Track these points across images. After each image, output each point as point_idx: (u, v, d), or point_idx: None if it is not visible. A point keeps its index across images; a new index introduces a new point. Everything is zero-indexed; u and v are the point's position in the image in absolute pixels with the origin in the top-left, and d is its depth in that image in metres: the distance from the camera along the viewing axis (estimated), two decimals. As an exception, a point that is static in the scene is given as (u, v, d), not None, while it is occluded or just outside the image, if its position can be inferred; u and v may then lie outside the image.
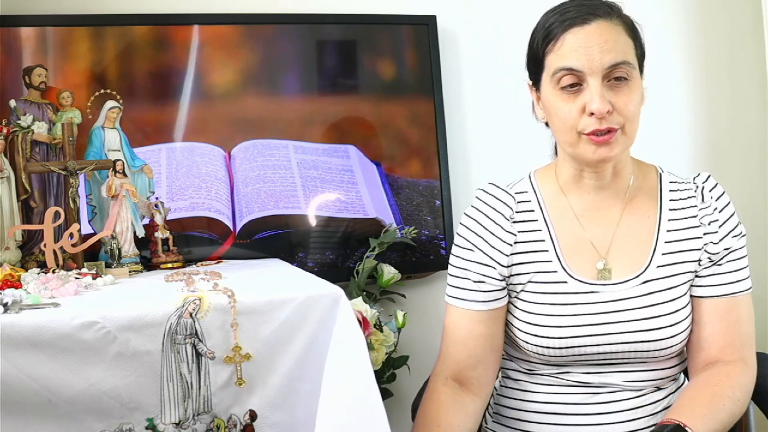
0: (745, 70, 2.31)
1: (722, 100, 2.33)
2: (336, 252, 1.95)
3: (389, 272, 1.91)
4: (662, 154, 2.15)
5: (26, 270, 1.35)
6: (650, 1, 2.28)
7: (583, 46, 1.19)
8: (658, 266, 1.28)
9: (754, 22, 2.20)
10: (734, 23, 2.32)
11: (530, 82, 1.33)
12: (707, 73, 2.32)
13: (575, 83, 1.21)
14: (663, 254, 1.29)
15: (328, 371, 1.09)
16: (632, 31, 1.25)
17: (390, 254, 1.95)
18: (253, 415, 1.11)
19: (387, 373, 1.85)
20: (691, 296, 1.31)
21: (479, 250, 1.31)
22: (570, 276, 1.29)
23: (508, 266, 1.31)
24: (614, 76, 1.20)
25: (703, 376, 1.28)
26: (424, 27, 2.05)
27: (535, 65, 1.28)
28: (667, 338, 1.26)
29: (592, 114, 1.19)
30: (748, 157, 2.32)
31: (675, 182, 1.35)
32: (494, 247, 1.31)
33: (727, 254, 1.29)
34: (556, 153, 1.41)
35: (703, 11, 2.32)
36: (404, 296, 2.03)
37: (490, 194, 1.35)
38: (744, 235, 1.31)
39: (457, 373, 1.33)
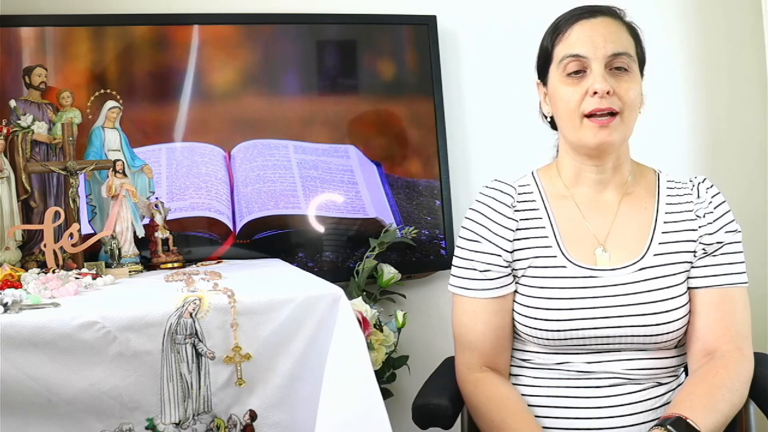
0: (745, 70, 2.31)
1: (722, 100, 2.33)
2: (336, 252, 1.95)
3: (389, 272, 1.91)
4: (662, 154, 2.15)
5: (26, 270, 1.35)
6: (650, 2, 2.28)
7: (588, 36, 1.30)
8: (655, 254, 1.32)
9: (754, 22, 2.20)
10: (734, 23, 2.32)
11: (539, 81, 1.41)
12: (707, 73, 2.32)
13: (580, 70, 1.30)
14: (660, 243, 1.33)
15: (329, 371, 1.09)
16: (634, 34, 1.35)
17: (390, 254, 1.95)
18: (253, 415, 1.11)
19: (387, 373, 1.85)
20: (688, 288, 1.33)
21: (485, 239, 1.35)
22: (569, 261, 1.32)
23: (512, 252, 1.35)
24: (615, 66, 1.29)
25: (701, 369, 1.30)
26: (424, 27, 2.05)
27: (544, 59, 1.37)
28: (663, 324, 1.28)
29: (594, 94, 1.27)
30: (748, 157, 2.31)
31: (672, 181, 1.41)
32: (498, 235, 1.35)
33: (722, 247, 1.32)
34: (558, 153, 1.44)
35: (703, 11, 2.32)
36: (404, 296, 2.03)
37: (492, 188, 1.40)
38: (739, 232, 1.35)
39: (487, 362, 1.37)
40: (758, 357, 1.38)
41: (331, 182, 1.95)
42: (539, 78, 1.41)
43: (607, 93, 1.26)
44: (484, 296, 1.35)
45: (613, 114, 1.28)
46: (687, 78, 2.31)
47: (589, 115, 1.28)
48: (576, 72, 1.30)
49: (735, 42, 2.33)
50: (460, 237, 1.40)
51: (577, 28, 1.31)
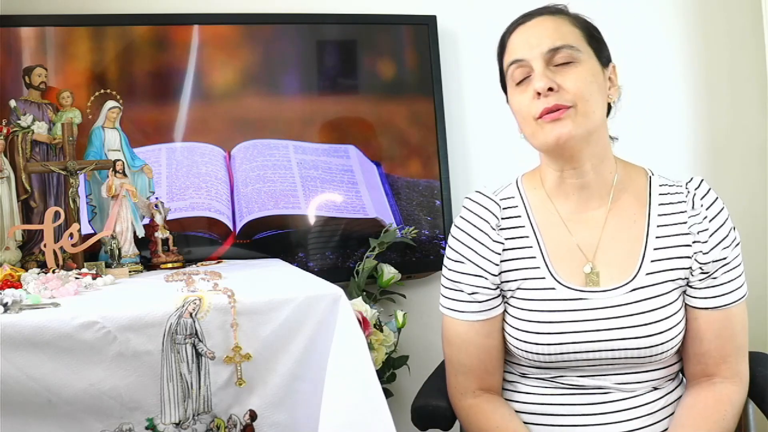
0: (745, 70, 2.32)
1: (722, 100, 2.33)
2: (336, 252, 1.95)
3: (389, 272, 1.91)
4: (662, 155, 2.16)
5: (26, 270, 1.35)
6: (650, 2, 2.28)
7: (524, 39, 1.27)
8: (648, 273, 1.27)
9: (754, 22, 2.20)
10: (734, 23, 2.32)
11: (508, 103, 1.36)
12: (707, 74, 2.32)
13: (526, 76, 1.26)
14: (652, 261, 1.28)
15: (330, 372, 1.09)
16: (580, 24, 1.29)
17: (390, 254, 1.95)
18: (253, 415, 1.11)
19: (387, 373, 1.85)
20: (687, 306, 1.30)
21: (470, 261, 1.32)
22: (558, 282, 1.28)
23: (498, 274, 1.31)
24: (558, 62, 1.24)
25: (707, 400, 1.28)
26: (424, 27, 2.05)
27: (502, 77, 1.35)
28: (658, 344, 1.25)
29: (539, 95, 1.22)
30: (748, 157, 2.32)
31: (665, 185, 1.34)
32: (484, 257, 1.31)
33: (722, 266, 1.27)
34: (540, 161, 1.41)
35: (703, 11, 2.32)
36: (404, 296, 2.03)
37: (476, 202, 1.35)
38: (738, 243, 1.29)
39: (481, 384, 1.34)
40: (758, 357, 1.39)
41: (331, 182, 1.95)
42: (507, 100, 1.37)
43: (551, 89, 1.20)
44: (474, 318, 1.32)
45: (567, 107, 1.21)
46: (687, 78, 2.31)
47: (541, 117, 1.23)
48: (523, 79, 1.26)
49: (735, 42, 2.33)
50: (446, 256, 1.36)
51: (515, 35, 1.29)
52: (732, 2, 2.32)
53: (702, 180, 1.32)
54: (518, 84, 1.27)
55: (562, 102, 1.21)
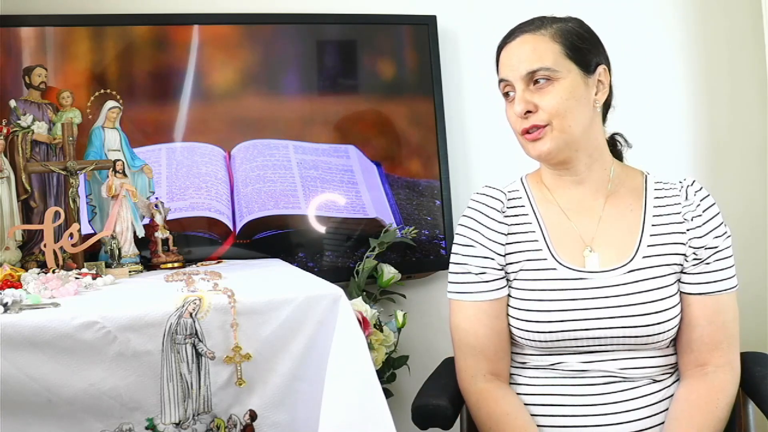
0: (745, 70, 2.31)
1: (722, 100, 2.33)
2: (336, 252, 1.95)
3: (389, 272, 1.91)
4: (662, 156, 2.16)
5: (26, 270, 1.35)
6: (650, 2, 2.28)
7: (508, 59, 1.36)
8: (644, 257, 1.33)
9: (754, 22, 2.20)
10: (734, 23, 2.32)
11: None
12: (707, 74, 2.32)
13: (513, 93, 1.35)
14: (649, 246, 1.34)
15: (330, 372, 1.09)
16: (561, 36, 1.33)
17: (390, 254, 1.95)
18: (253, 415, 1.11)
19: (387, 373, 1.85)
20: (681, 293, 1.35)
21: (479, 244, 1.38)
22: (559, 263, 1.35)
23: (504, 255, 1.37)
24: (536, 81, 1.32)
25: (699, 391, 1.31)
26: (424, 27, 2.05)
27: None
28: (654, 325, 1.30)
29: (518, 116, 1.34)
30: (749, 157, 2.31)
31: (660, 182, 1.42)
32: (491, 240, 1.38)
33: (714, 253, 1.33)
34: None
35: (703, 12, 2.32)
36: (404, 296, 2.03)
37: (483, 194, 1.43)
38: (728, 236, 1.36)
39: (491, 368, 1.38)
40: (758, 357, 1.40)
41: (331, 182, 1.96)
42: None
43: (529, 111, 1.31)
44: (482, 299, 1.37)
45: (543, 126, 1.31)
46: (687, 78, 2.31)
47: (523, 135, 1.34)
48: (509, 93, 1.36)
49: (735, 42, 2.33)
50: (454, 243, 1.43)
51: (503, 53, 1.38)
52: (732, 2, 2.32)
53: (695, 180, 1.40)
54: (508, 101, 1.37)
55: (537, 122, 1.31)
